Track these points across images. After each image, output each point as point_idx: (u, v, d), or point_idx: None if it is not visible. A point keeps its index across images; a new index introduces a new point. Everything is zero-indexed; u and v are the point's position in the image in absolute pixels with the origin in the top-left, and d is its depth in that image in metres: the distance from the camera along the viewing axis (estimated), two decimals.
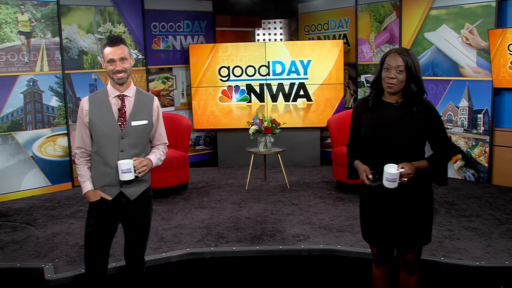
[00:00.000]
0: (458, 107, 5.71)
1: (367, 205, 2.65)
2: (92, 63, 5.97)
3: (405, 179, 2.40)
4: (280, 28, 7.88)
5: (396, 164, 2.41)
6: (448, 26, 5.70)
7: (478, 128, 5.57)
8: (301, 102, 6.72)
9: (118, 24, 6.21)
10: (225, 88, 6.77)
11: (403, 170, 2.39)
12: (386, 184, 2.40)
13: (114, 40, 2.61)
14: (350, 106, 6.91)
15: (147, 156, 2.73)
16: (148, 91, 6.37)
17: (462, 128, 5.70)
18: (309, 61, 6.66)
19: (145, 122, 2.71)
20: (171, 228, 4.26)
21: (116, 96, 2.68)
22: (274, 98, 6.75)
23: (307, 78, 6.67)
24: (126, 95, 2.69)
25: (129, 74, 2.67)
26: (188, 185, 5.67)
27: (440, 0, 5.74)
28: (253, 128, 5.50)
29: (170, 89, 6.91)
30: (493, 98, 5.40)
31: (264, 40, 7.85)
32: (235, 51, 6.73)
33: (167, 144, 2.89)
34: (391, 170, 2.37)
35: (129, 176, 2.59)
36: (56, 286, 3.30)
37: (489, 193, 5.14)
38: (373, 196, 2.58)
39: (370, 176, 2.46)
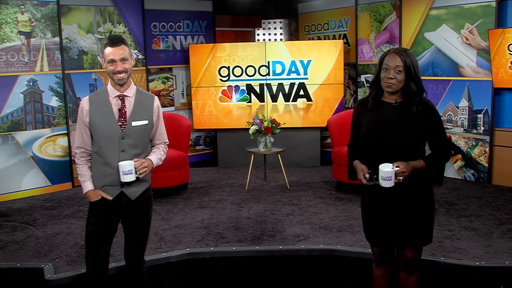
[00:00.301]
0: (458, 107, 5.71)
1: (368, 205, 2.66)
2: (92, 63, 5.97)
3: (401, 177, 2.40)
4: (280, 28, 7.88)
5: None
6: (448, 26, 5.70)
7: (478, 128, 5.57)
8: (301, 102, 6.72)
9: (118, 24, 6.21)
10: (225, 88, 6.77)
11: (398, 168, 2.39)
12: (382, 183, 2.41)
13: (115, 40, 2.61)
14: (350, 106, 6.91)
15: (148, 157, 2.73)
16: (148, 91, 6.36)
17: (462, 128, 5.70)
18: (309, 61, 6.66)
19: (146, 122, 2.71)
20: (171, 228, 4.26)
21: (116, 96, 2.67)
22: (274, 98, 6.75)
23: (307, 78, 6.67)
24: (126, 95, 2.69)
25: (129, 74, 2.66)
26: (188, 185, 5.66)
27: (440, 0, 5.74)
28: (253, 128, 5.50)
29: (170, 89, 6.91)
30: (493, 98, 5.40)
31: (264, 40, 7.85)
32: (235, 51, 6.73)
33: (167, 143, 2.90)
34: (386, 169, 2.39)
35: (130, 178, 2.59)
36: (56, 286, 3.30)
37: (489, 193, 5.14)
38: (374, 196, 2.58)
39: (367, 175, 2.47)
